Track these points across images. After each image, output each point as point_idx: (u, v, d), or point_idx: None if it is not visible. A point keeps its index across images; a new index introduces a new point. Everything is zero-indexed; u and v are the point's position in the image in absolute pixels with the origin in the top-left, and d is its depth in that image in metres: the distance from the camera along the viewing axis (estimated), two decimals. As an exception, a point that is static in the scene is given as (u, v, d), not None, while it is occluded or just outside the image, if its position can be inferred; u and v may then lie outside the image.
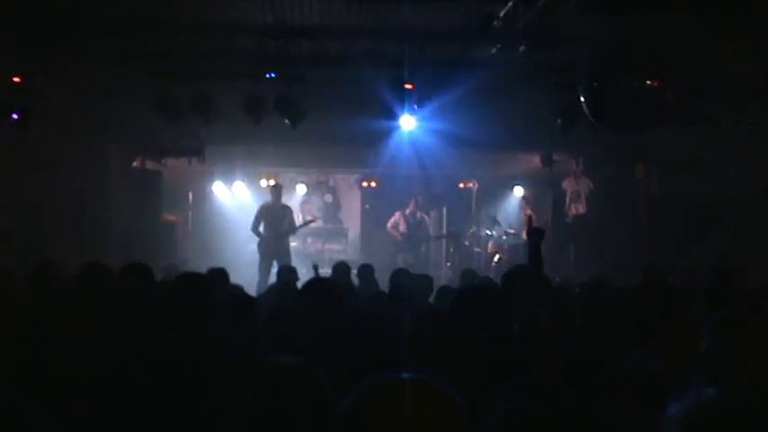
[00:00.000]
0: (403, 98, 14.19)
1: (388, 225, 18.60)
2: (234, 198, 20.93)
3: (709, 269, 6.71)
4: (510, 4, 10.66)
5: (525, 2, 10.50)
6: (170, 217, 18.51)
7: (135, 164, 17.11)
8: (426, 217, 18.94)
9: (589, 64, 10.02)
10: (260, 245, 16.98)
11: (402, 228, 18.40)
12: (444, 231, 19.96)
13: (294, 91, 14.17)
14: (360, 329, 5.43)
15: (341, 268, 11.74)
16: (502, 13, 11.05)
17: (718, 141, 14.32)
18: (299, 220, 18.58)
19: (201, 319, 5.09)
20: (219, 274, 9.63)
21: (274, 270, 16.75)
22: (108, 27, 12.31)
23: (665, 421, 2.86)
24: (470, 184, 20.86)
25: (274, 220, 16.95)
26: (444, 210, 20.97)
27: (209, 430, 3.52)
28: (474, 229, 19.41)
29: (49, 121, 13.86)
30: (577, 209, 17.70)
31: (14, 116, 13.55)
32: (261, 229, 17.02)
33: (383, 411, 1.94)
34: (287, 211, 17.43)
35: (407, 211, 18.54)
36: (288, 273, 11.39)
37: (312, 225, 19.57)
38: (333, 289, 5.73)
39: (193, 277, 5.49)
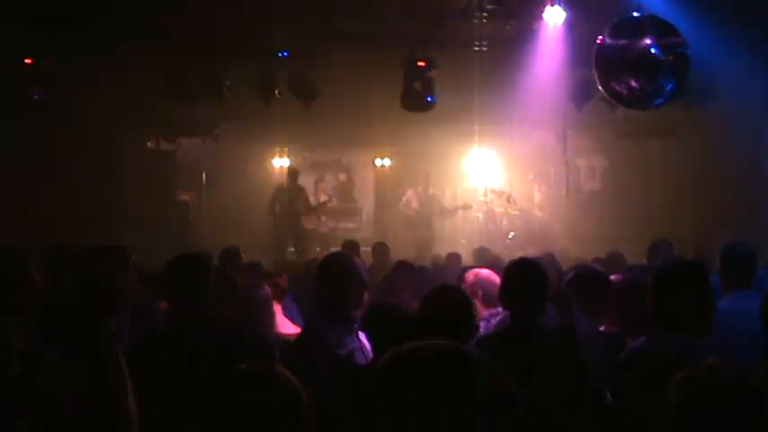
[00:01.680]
0: (416, 75, 14.16)
1: (401, 204, 18.59)
2: (249, 177, 20.89)
3: (725, 246, 6.60)
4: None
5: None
6: (184, 197, 18.51)
7: (148, 144, 17.10)
8: (438, 193, 18.92)
9: (601, 42, 9.94)
10: (275, 226, 16.98)
11: (414, 204, 18.38)
12: (460, 203, 19.90)
13: (306, 69, 14.14)
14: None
15: (349, 247, 11.74)
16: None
17: (733, 115, 14.22)
18: (312, 200, 18.54)
19: (194, 303, 5.00)
20: (233, 253, 9.68)
21: (290, 249, 16.83)
22: (119, 7, 12.29)
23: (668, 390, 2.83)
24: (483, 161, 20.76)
25: (289, 201, 16.93)
26: (458, 188, 20.90)
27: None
28: (488, 206, 19.32)
29: (61, 102, 13.86)
30: (592, 185, 17.64)
31: (35, 96, 13.56)
32: (276, 208, 17.01)
33: (411, 376, 1.86)
34: (301, 192, 17.40)
35: (420, 188, 18.53)
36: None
37: (327, 205, 19.54)
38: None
39: (187, 258, 5.37)
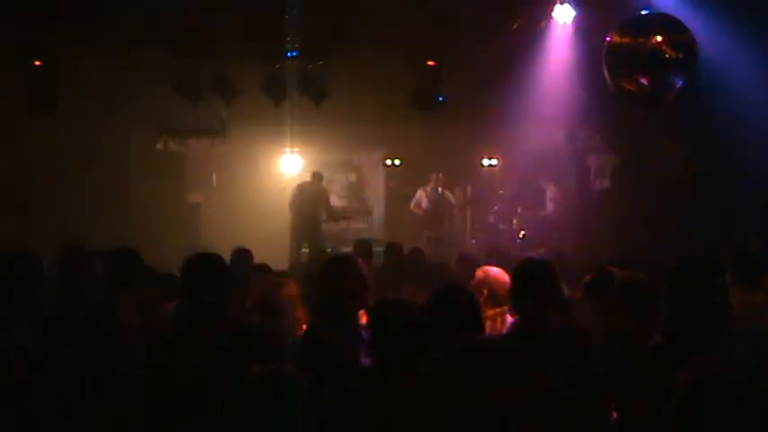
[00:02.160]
0: (426, 75, 14.19)
1: (411, 205, 18.62)
2: (259, 178, 20.92)
3: (735, 244, 6.60)
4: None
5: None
6: (194, 199, 18.52)
7: (158, 146, 17.11)
8: (448, 192, 18.92)
9: (611, 40, 9.93)
10: (292, 224, 16.93)
11: (425, 204, 18.41)
12: (469, 198, 19.92)
13: (316, 70, 14.15)
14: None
15: (362, 247, 11.73)
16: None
17: (744, 112, 14.14)
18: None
19: (211, 305, 4.99)
20: (243, 254, 9.67)
21: (303, 250, 16.81)
22: (126, 8, 12.31)
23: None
24: (494, 161, 20.72)
25: (309, 202, 16.86)
26: (468, 187, 20.89)
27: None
28: (498, 206, 19.30)
29: (69, 105, 13.88)
30: (602, 184, 17.57)
31: (45, 97, 13.58)
32: (296, 206, 16.92)
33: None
34: (324, 194, 17.34)
35: (429, 188, 18.56)
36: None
37: (345, 220, 19.46)
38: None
39: (202, 259, 5.38)
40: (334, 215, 17.89)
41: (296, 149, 19.95)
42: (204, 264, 5.16)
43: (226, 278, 5.07)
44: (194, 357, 4.64)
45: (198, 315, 4.95)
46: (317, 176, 17.44)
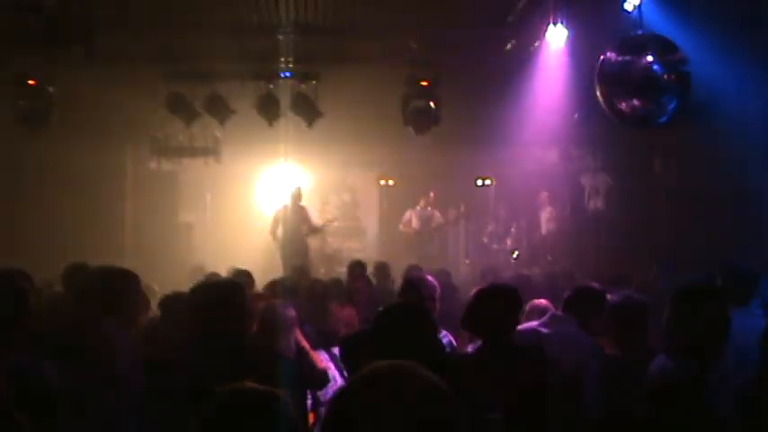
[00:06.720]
0: (419, 95, 14.24)
1: (401, 225, 18.66)
2: (252, 198, 20.90)
3: (726, 267, 6.60)
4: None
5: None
6: (188, 218, 18.49)
7: (151, 165, 17.09)
8: (437, 212, 18.95)
9: (604, 61, 9.96)
10: (279, 247, 16.95)
11: (415, 224, 18.43)
12: (462, 215, 19.90)
13: (309, 90, 14.18)
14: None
15: (357, 269, 11.71)
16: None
17: (736, 132, 14.18)
18: (317, 218, 18.52)
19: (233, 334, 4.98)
20: (245, 278, 9.56)
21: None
22: (121, 28, 12.33)
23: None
24: (488, 181, 20.72)
25: (292, 222, 16.89)
26: (462, 207, 20.89)
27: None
28: (492, 226, 19.30)
29: (63, 124, 13.89)
30: (596, 204, 17.59)
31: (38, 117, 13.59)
32: (279, 231, 16.97)
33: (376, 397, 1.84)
34: (305, 211, 17.36)
35: (419, 207, 18.61)
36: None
37: (332, 224, 19.51)
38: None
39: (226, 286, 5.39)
40: (315, 230, 17.89)
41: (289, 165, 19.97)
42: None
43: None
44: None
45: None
46: (295, 193, 17.52)
